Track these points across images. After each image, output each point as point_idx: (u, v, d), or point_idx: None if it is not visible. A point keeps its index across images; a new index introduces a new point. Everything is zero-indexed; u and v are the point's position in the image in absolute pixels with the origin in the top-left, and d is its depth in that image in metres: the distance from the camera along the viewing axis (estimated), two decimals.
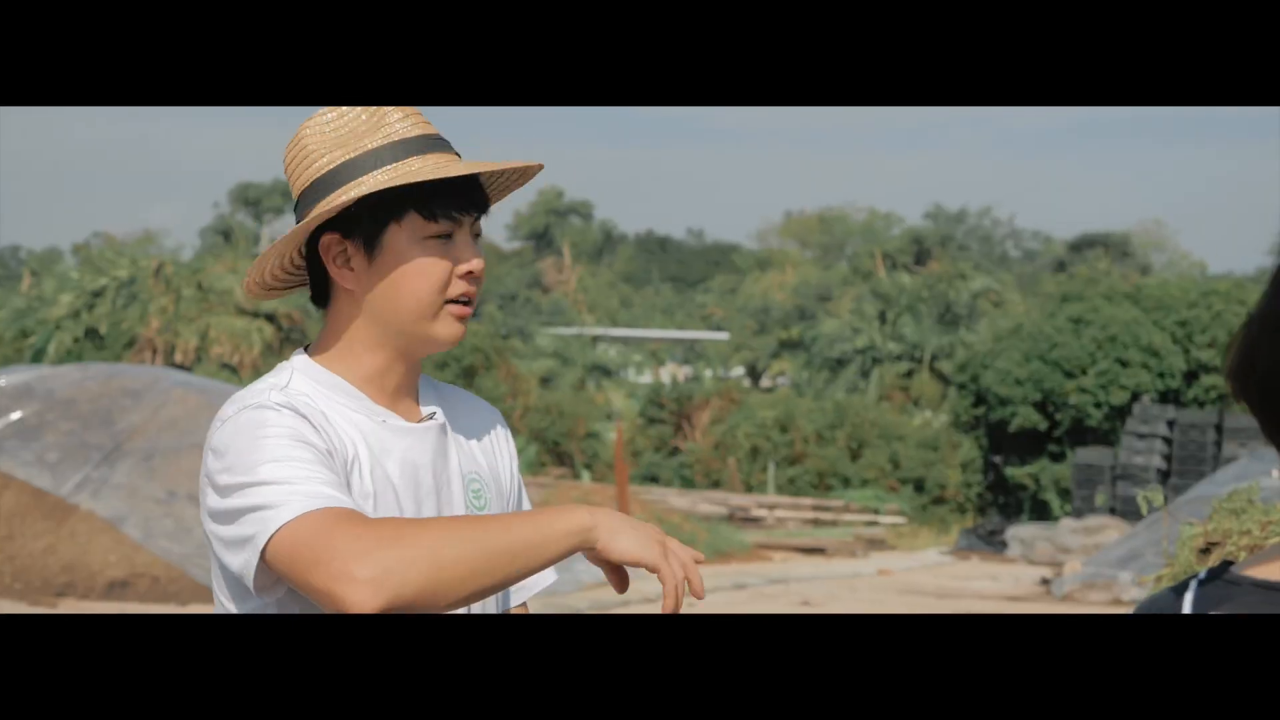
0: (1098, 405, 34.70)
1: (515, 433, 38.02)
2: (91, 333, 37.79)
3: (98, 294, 38.19)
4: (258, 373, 33.30)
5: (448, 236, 2.63)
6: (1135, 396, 34.22)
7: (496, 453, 2.82)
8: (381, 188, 2.59)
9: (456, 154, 2.68)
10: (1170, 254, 77.72)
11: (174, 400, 19.11)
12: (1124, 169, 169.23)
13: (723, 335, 67.40)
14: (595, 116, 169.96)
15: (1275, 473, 18.82)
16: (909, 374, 49.68)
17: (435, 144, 2.64)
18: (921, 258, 66.96)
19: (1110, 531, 26.45)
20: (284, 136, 2.74)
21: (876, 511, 34.81)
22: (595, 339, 58.45)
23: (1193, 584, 1.48)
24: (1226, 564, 1.48)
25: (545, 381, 48.63)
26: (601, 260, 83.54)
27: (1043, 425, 35.47)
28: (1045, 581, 22.83)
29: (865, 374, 50.88)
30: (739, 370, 62.79)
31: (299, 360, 2.69)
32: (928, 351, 49.65)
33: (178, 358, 36.54)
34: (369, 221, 2.62)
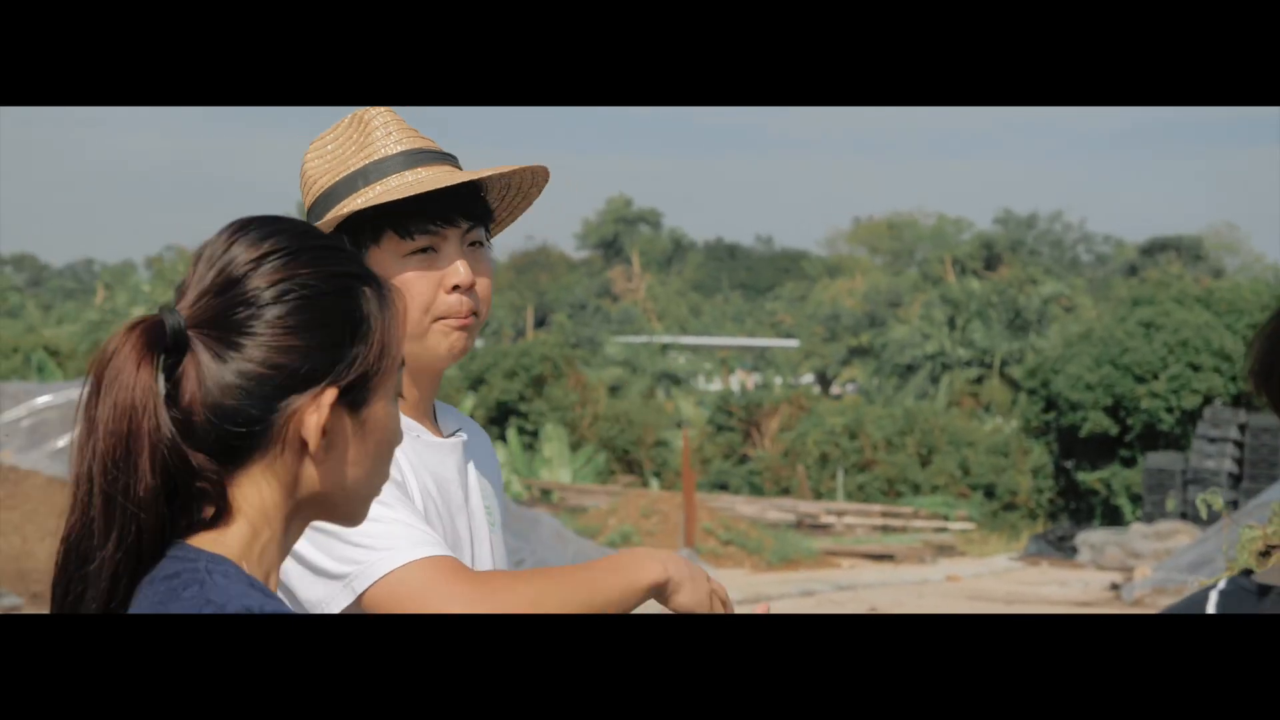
0: (1169, 410, 34.41)
1: (584, 441, 38.19)
2: None
3: None
4: None
5: (431, 250, 2.56)
6: (1207, 400, 33.91)
7: (495, 474, 2.79)
8: (343, 214, 2.53)
9: (451, 163, 2.60)
10: (1243, 257, 76.91)
11: None
12: (1196, 171, 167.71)
13: (792, 342, 67.24)
14: (663, 125, 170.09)
15: None
16: (979, 380, 49.45)
17: (419, 158, 2.57)
18: (991, 263, 66.59)
19: (1181, 536, 26.22)
20: None
21: (946, 518, 34.63)
22: (664, 347, 58.43)
23: (1213, 594, 1.48)
24: (1247, 572, 1.47)
25: (614, 390, 48.63)
26: (670, 268, 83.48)
27: (1114, 430, 35.20)
28: (1115, 587, 22.67)
29: (935, 380, 50.67)
30: (808, 377, 62.64)
31: None
32: (998, 357, 49.40)
33: None
34: (351, 245, 2.53)
